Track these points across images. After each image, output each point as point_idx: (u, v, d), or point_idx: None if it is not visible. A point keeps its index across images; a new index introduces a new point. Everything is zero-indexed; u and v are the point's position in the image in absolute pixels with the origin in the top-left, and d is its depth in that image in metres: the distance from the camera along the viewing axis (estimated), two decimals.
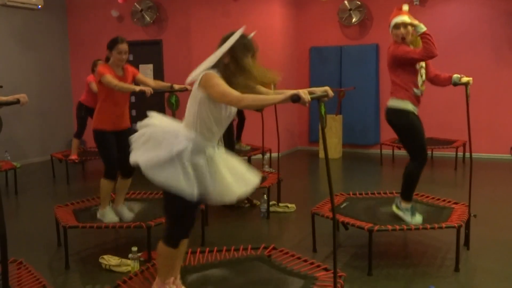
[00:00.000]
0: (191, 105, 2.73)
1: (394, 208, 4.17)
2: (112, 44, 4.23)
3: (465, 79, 4.08)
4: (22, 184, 7.05)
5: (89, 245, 4.52)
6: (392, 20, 3.95)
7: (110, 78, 4.13)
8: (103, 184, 4.39)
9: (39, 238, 4.77)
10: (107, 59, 4.35)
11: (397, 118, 4.05)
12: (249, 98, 2.55)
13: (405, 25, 3.89)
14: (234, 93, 2.55)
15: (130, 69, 4.49)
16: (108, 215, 4.35)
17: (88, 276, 3.84)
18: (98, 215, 4.39)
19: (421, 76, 4.01)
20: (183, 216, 2.77)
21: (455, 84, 3.99)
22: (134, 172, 4.59)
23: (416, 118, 4.06)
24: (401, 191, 4.17)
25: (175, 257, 2.87)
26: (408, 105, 4.00)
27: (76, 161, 7.52)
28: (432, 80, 4.23)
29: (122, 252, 4.13)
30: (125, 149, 4.42)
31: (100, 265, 3.94)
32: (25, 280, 3.03)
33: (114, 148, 4.39)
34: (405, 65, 3.92)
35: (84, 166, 8.44)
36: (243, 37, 2.69)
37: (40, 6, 8.88)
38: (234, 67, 2.67)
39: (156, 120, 2.84)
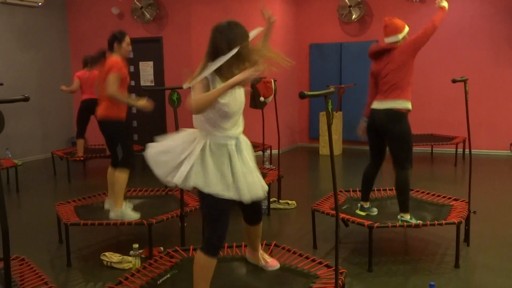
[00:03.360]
0: None
1: (399, 222, 4.08)
2: (121, 36, 4.31)
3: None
4: (23, 182, 7.07)
5: (90, 242, 4.53)
6: (405, 27, 4.14)
7: (115, 79, 4.15)
8: (119, 176, 4.27)
9: (41, 235, 4.79)
10: (103, 54, 4.42)
11: (398, 121, 4.00)
12: (196, 99, 2.50)
13: None
14: (193, 99, 2.51)
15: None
16: (128, 214, 4.21)
17: (89, 273, 3.85)
18: (114, 215, 4.22)
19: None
20: (216, 220, 2.67)
21: (454, 81, 4.00)
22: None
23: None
24: (400, 206, 4.09)
25: (212, 269, 2.73)
26: (409, 105, 4.05)
27: (82, 158, 7.49)
28: None
29: (123, 249, 4.15)
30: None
31: (101, 262, 3.96)
32: (28, 277, 3.04)
33: (127, 137, 4.45)
34: (412, 62, 4.06)
35: (85, 163, 8.46)
36: (235, 27, 2.64)
37: (40, 4, 8.88)
38: (235, 59, 2.61)
39: (166, 139, 2.82)
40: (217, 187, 2.62)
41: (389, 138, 4.06)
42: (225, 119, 2.66)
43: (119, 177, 4.28)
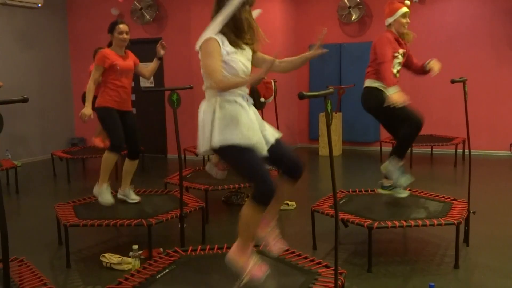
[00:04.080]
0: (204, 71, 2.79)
1: (385, 164, 4.23)
2: (112, 27, 4.48)
3: (433, 64, 4.28)
4: (23, 183, 7.07)
5: (90, 243, 4.53)
6: (398, 10, 4.10)
7: (96, 72, 4.37)
8: (106, 157, 4.43)
9: (40, 236, 4.78)
10: (109, 45, 4.56)
11: (374, 97, 4.20)
12: (226, 81, 2.69)
13: (408, 15, 4.14)
14: (217, 75, 2.65)
15: (133, 56, 4.75)
16: (104, 195, 4.39)
17: (89, 274, 3.85)
18: (94, 191, 4.43)
19: (394, 66, 4.21)
20: (251, 167, 2.71)
21: (453, 81, 4.00)
22: (140, 153, 4.68)
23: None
24: (395, 150, 4.26)
25: (259, 218, 2.76)
26: (379, 84, 4.16)
27: (101, 145, 7.19)
28: (412, 70, 4.53)
29: (123, 250, 4.15)
30: (131, 129, 4.56)
31: (101, 263, 3.96)
32: (27, 278, 3.04)
33: (119, 122, 4.51)
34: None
35: (85, 164, 8.46)
36: None
37: (40, 5, 8.89)
38: (234, 23, 2.76)
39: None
40: (240, 132, 2.69)
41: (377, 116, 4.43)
42: (235, 77, 2.77)
43: (105, 157, 4.45)
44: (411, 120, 4.15)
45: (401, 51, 4.22)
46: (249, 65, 2.89)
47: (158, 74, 9.19)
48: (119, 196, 4.72)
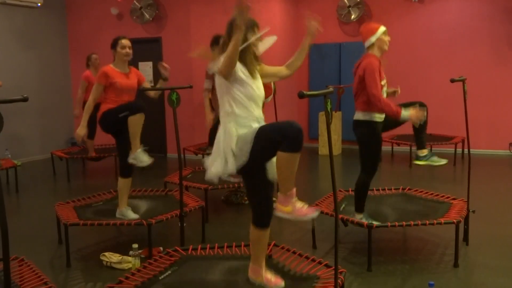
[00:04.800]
0: (222, 94, 2.83)
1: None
2: (114, 42, 4.39)
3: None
4: (23, 182, 7.07)
5: (90, 243, 4.54)
6: (378, 28, 3.98)
7: (97, 89, 4.29)
8: (119, 181, 4.41)
9: (40, 235, 4.79)
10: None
11: (361, 129, 4.04)
12: (222, 62, 2.70)
13: (387, 33, 4.03)
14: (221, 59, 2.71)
15: (137, 72, 4.61)
16: (128, 216, 4.36)
17: (89, 273, 3.85)
18: (117, 214, 4.41)
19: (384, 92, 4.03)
20: (260, 193, 2.86)
21: (453, 80, 4.00)
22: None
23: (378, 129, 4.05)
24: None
25: (267, 238, 2.95)
26: (376, 116, 4.00)
27: (94, 155, 7.65)
28: None
29: (123, 249, 4.15)
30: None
31: (101, 262, 3.96)
32: (27, 277, 3.05)
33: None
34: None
35: (85, 163, 8.46)
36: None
37: (39, 4, 8.87)
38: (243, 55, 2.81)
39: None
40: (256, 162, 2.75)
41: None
42: (251, 100, 2.81)
43: (119, 182, 4.43)
44: (365, 167, 4.06)
45: (384, 79, 4.02)
46: (262, 90, 2.93)
47: (158, 74, 9.19)
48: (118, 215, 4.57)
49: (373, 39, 3.97)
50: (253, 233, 2.93)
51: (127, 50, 4.38)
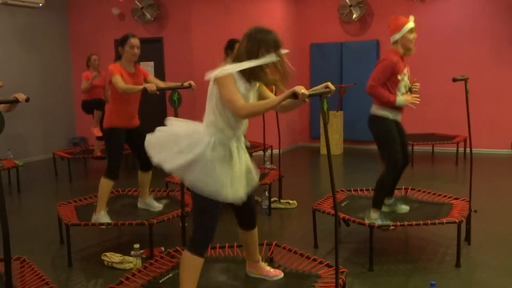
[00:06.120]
0: (210, 102, 2.71)
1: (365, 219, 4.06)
2: (124, 40, 4.28)
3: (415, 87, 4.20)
4: (24, 182, 7.08)
5: (91, 243, 4.54)
6: (404, 25, 3.95)
7: (118, 78, 4.12)
8: (102, 183, 4.28)
9: (42, 235, 4.79)
10: (117, 58, 4.37)
11: (374, 126, 4.10)
12: (249, 107, 2.59)
13: (414, 30, 3.99)
14: (239, 102, 2.55)
15: (142, 69, 4.54)
16: (103, 221, 4.18)
17: (90, 273, 3.86)
18: (93, 219, 4.22)
19: (399, 89, 4.03)
20: (204, 217, 2.71)
21: (455, 80, 3.99)
22: (151, 164, 4.59)
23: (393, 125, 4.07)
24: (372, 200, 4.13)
25: (199, 269, 2.71)
26: (387, 113, 4.03)
27: (99, 155, 7.61)
28: None
29: (124, 249, 4.15)
30: (141, 144, 4.44)
31: (102, 262, 3.96)
32: (29, 277, 3.05)
33: (122, 151, 4.42)
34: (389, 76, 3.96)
35: (86, 163, 8.47)
36: (267, 33, 2.79)
37: (41, 5, 8.90)
38: (254, 70, 2.68)
39: (175, 125, 2.83)
40: (215, 186, 2.63)
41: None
42: (237, 120, 2.69)
43: (103, 184, 4.28)
44: (389, 163, 4.05)
45: (405, 70, 4.03)
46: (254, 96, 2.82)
47: (159, 74, 9.20)
48: (140, 206, 4.63)
49: (397, 36, 3.97)
50: (185, 257, 2.69)
51: (135, 50, 4.29)
